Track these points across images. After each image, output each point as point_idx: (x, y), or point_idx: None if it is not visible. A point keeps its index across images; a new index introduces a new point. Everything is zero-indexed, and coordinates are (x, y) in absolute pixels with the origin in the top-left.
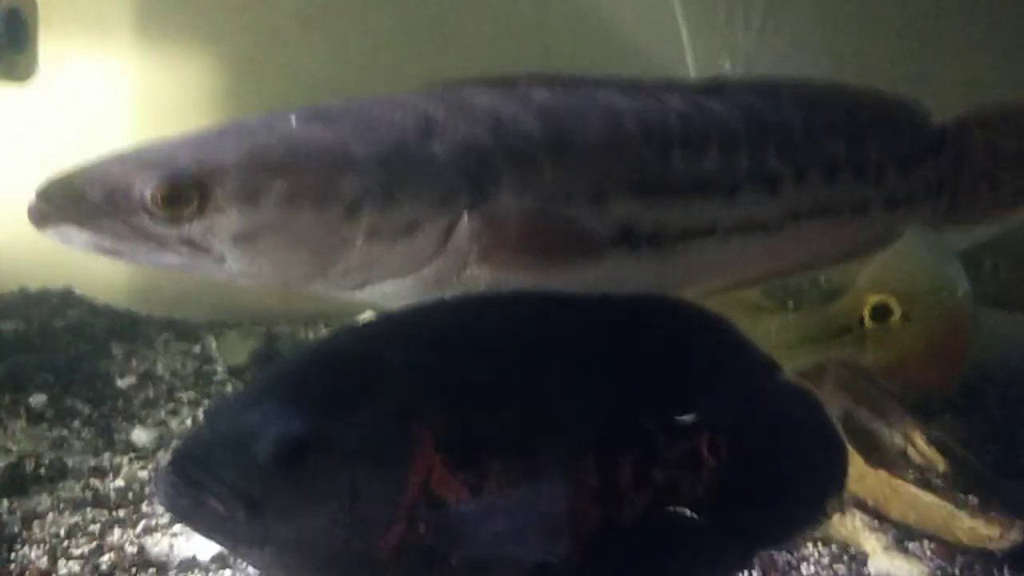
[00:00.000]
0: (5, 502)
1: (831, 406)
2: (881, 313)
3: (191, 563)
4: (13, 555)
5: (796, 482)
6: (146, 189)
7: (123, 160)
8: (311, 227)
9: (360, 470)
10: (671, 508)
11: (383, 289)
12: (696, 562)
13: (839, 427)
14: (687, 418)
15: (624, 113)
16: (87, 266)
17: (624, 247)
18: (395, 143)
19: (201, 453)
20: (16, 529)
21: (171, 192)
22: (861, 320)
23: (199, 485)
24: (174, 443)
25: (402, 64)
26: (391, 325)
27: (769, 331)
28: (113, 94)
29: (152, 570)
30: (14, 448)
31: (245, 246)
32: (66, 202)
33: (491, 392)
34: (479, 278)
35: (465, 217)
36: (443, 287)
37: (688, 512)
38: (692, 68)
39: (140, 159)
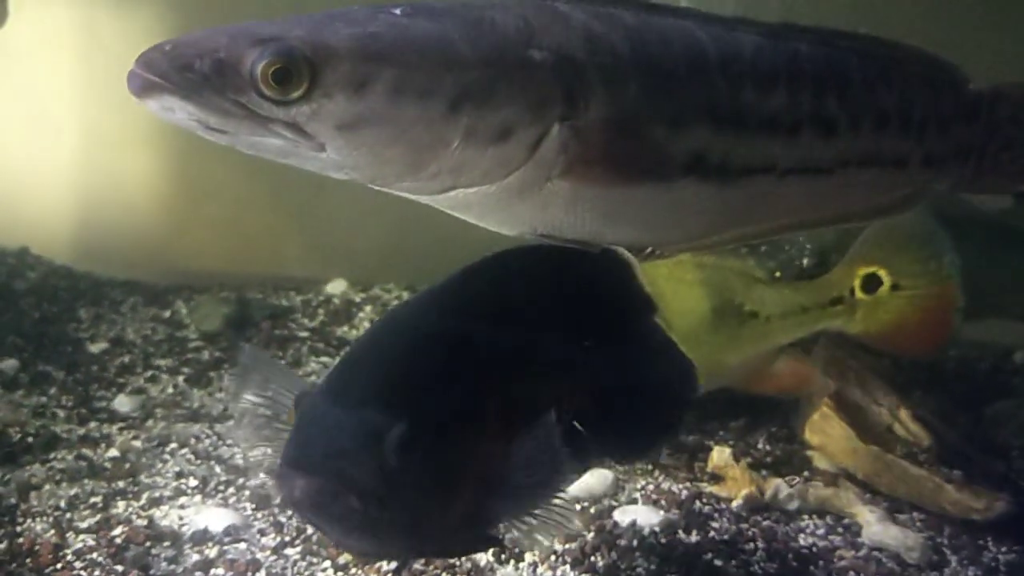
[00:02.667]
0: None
1: (823, 383)
2: (871, 283)
3: (203, 535)
4: (18, 528)
5: (656, 404)
6: (257, 65)
7: (233, 34)
8: (413, 121)
9: (449, 442)
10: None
11: (466, 197)
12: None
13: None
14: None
15: (704, 43)
16: (36, 224)
17: (693, 176)
18: (498, 46)
19: (323, 455)
20: (14, 500)
21: (282, 70)
22: (852, 290)
23: (334, 482)
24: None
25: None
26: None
27: (764, 300)
28: (61, 43)
29: (166, 543)
30: None
31: (347, 135)
32: (172, 72)
33: (508, 363)
34: (559, 192)
35: (556, 128)
36: (523, 199)
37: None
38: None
39: (251, 34)
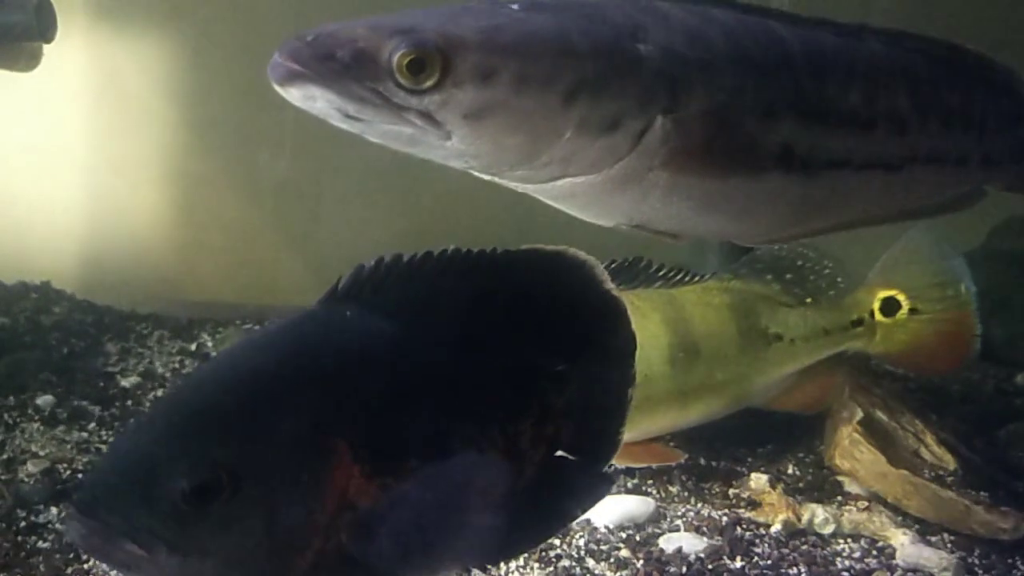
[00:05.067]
0: (54, 510)
1: (850, 408)
2: (890, 307)
3: None
4: (85, 566)
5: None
6: (394, 55)
7: (370, 25)
8: (532, 111)
9: (280, 491)
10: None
11: (572, 186)
12: (581, 497)
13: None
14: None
15: (790, 41)
16: (36, 255)
17: (780, 168)
18: (610, 40)
19: (109, 494)
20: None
21: (417, 60)
22: (871, 313)
23: (113, 527)
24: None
25: None
26: (303, 331)
27: (788, 323)
28: (70, 77)
29: None
30: (41, 453)
31: (473, 124)
32: (315, 61)
33: (414, 386)
34: (657, 182)
35: (659, 119)
36: (624, 189)
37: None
38: None
39: (387, 26)
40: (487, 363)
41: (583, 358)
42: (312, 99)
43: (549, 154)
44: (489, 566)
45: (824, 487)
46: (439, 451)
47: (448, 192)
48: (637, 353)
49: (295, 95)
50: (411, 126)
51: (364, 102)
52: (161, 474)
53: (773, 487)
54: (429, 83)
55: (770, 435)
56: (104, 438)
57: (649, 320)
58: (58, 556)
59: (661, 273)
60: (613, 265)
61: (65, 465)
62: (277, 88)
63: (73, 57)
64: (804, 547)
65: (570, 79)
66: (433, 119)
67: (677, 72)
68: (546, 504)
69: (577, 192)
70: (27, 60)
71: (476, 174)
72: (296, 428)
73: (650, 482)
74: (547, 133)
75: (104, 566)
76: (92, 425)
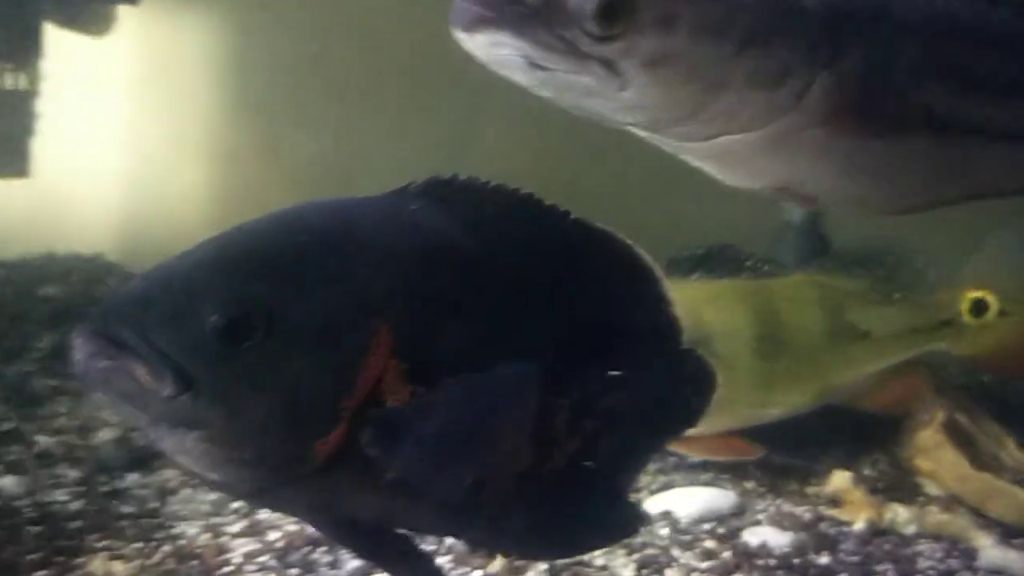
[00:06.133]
0: (134, 476)
1: (931, 410)
2: (979, 307)
3: None
4: (172, 531)
5: (666, 429)
6: (587, 2)
7: None
8: (706, 62)
9: (310, 357)
10: (587, 462)
11: (728, 144)
12: (601, 525)
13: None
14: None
15: (939, 4)
16: (85, 228)
17: (923, 132)
18: None
19: (130, 309)
20: (156, 504)
21: (610, 6)
22: (960, 313)
23: (123, 345)
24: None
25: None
26: (372, 208)
27: (876, 321)
28: (117, 57)
29: (322, 548)
30: (112, 420)
31: (650, 73)
32: (505, 7)
33: (463, 304)
34: (809, 142)
35: (821, 76)
36: (778, 148)
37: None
38: None
39: None
40: (539, 316)
41: (632, 369)
42: (499, 45)
43: (716, 107)
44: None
45: (903, 488)
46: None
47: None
48: (722, 343)
49: (480, 41)
50: (592, 75)
51: (551, 49)
52: (194, 301)
53: (855, 486)
54: (616, 30)
55: (843, 435)
56: None
57: (735, 310)
58: (143, 521)
59: (748, 264)
60: (700, 252)
61: (138, 433)
62: (460, 34)
63: (121, 37)
64: (887, 546)
65: (743, 30)
66: (614, 68)
67: (839, 28)
68: (564, 516)
69: (732, 151)
70: (101, 24)
71: (636, 130)
72: (342, 296)
73: (725, 477)
74: (717, 85)
75: (193, 529)
76: None
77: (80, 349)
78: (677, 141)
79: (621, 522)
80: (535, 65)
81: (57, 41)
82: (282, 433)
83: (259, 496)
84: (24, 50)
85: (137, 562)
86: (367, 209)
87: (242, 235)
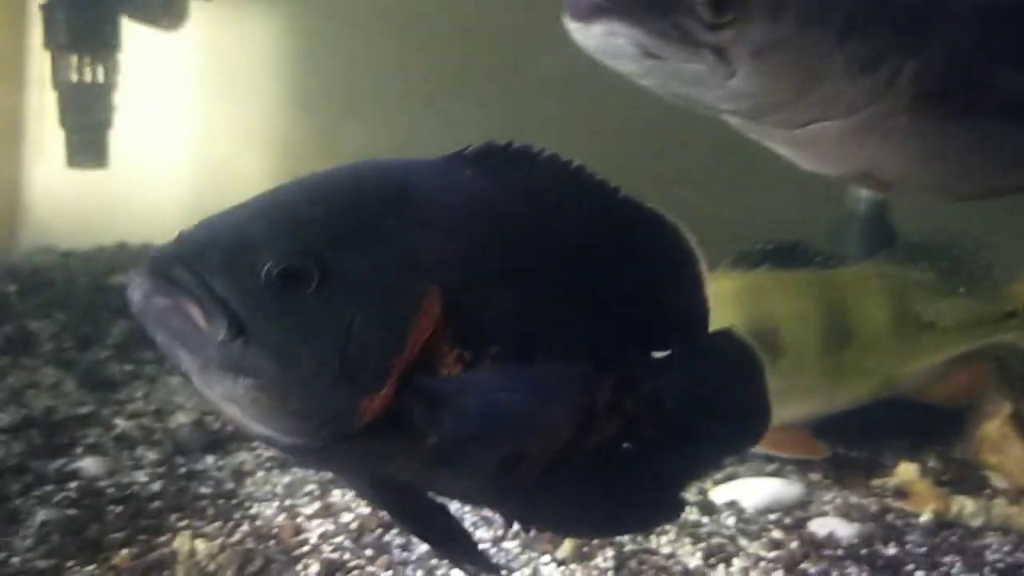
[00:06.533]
0: (210, 458)
1: (997, 402)
2: None
3: None
4: (250, 512)
5: (721, 430)
6: None
7: None
8: (811, 48)
9: (362, 312)
10: (626, 445)
11: (820, 131)
12: (638, 508)
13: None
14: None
15: None
16: (151, 219)
17: (1000, 116)
18: None
19: (190, 253)
20: (232, 486)
21: None
22: None
23: (181, 286)
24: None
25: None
26: (428, 171)
27: (941, 312)
28: (182, 53)
29: (394, 531)
30: (187, 404)
31: (758, 61)
32: None
33: (512, 272)
34: (898, 128)
35: (910, 62)
36: (867, 134)
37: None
38: None
39: None
40: (583, 288)
41: (671, 350)
42: (614, 35)
43: (815, 94)
44: (523, 529)
45: (969, 480)
46: (524, 351)
47: None
48: (788, 334)
49: (597, 31)
50: (703, 63)
51: (665, 37)
52: (251, 248)
53: (921, 478)
54: (728, 17)
55: (908, 427)
56: None
57: (801, 302)
58: (221, 501)
59: (817, 260)
60: (770, 247)
61: (213, 417)
62: (574, 25)
63: (186, 33)
64: (954, 538)
65: (843, 18)
66: (724, 56)
67: (926, 15)
68: (600, 496)
69: (823, 137)
70: (174, 19)
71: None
72: (396, 255)
73: (790, 468)
74: (819, 71)
75: (269, 510)
76: None
77: (138, 289)
78: (772, 128)
79: (659, 507)
80: (648, 54)
81: (129, 34)
82: (330, 386)
83: (303, 452)
84: (102, 43)
85: (218, 541)
86: (424, 171)
87: (302, 188)
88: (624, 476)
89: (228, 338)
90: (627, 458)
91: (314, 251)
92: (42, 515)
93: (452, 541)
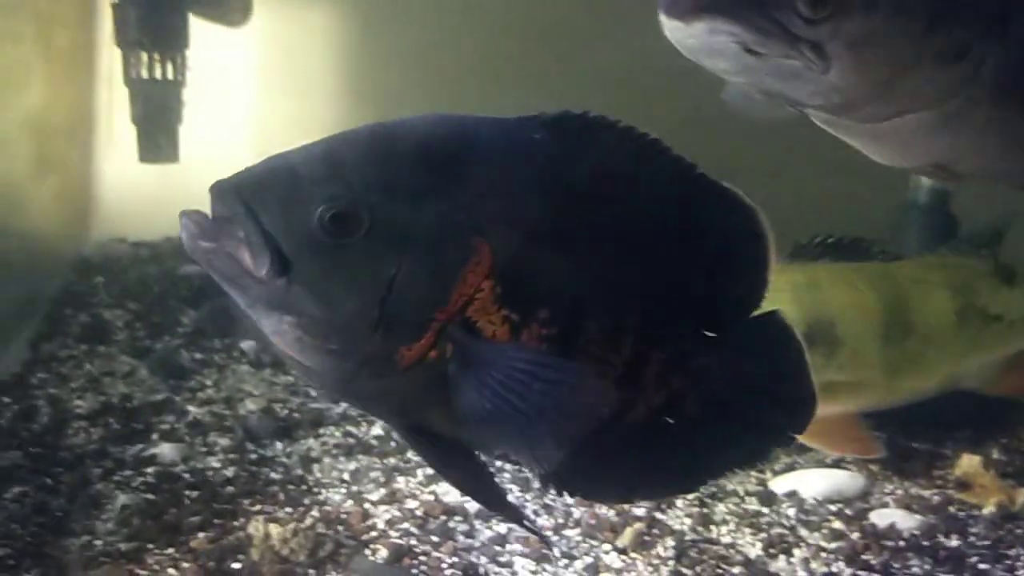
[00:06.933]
0: (279, 444)
1: None
2: None
3: (487, 512)
4: (318, 497)
5: (767, 417)
6: None
7: None
8: (902, 40)
9: (408, 261)
10: (670, 419)
11: (902, 124)
12: (661, 480)
13: None
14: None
15: None
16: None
17: None
18: None
19: (242, 190)
20: (300, 472)
21: None
22: None
23: (230, 224)
24: None
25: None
26: (496, 130)
27: (1008, 304)
28: (245, 50)
29: (458, 517)
30: (256, 392)
31: (853, 54)
32: None
33: (570, 238)
34: (974, 120)
35: (993, 53)
36: (946, 126)
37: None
38: None
39: None
40: (641, 261)
41: (726, 331)
42: (715, 32)
43: (903, 86)
44: (559, 493)
45: None
46: (574, 318)
47: None
48: (847, 326)
49: (699, 29)
50: (801, 58)
51: (766, 33)
52: (303, 191)
53: (985, 470)
54: (825, 12)
55: (969, 419)
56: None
57: (861, 294)
58: (291, 487)
59: (878, 254)
60: (830, 240)
61: (281, 404)
62: (673, 23)
63: (249, 30)
64: (1019, 531)
65: (930, 10)
66: (821, 50)
67: (1007, 6)
68: (638, 466)
69: (904, 130)
70: (239, 14)
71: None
72: (447, 208)
73: (850, 459)
74: (908, 63)
75: (337, 496)
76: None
77: (189, 224)
78: (855, 122)
79: (684, 482)
80: (748, 50)
81: (195, 31)
82: (369, 332)
83: (343, 391)
84: (172, 41)
85: (291, 525)
86: (491, 130)
87: (365, 135)
88: (663, 451)
89: (271, 276)
90: (669, 432)
91: (366, 199)
92: (122, 499)
93: (482, 492)
